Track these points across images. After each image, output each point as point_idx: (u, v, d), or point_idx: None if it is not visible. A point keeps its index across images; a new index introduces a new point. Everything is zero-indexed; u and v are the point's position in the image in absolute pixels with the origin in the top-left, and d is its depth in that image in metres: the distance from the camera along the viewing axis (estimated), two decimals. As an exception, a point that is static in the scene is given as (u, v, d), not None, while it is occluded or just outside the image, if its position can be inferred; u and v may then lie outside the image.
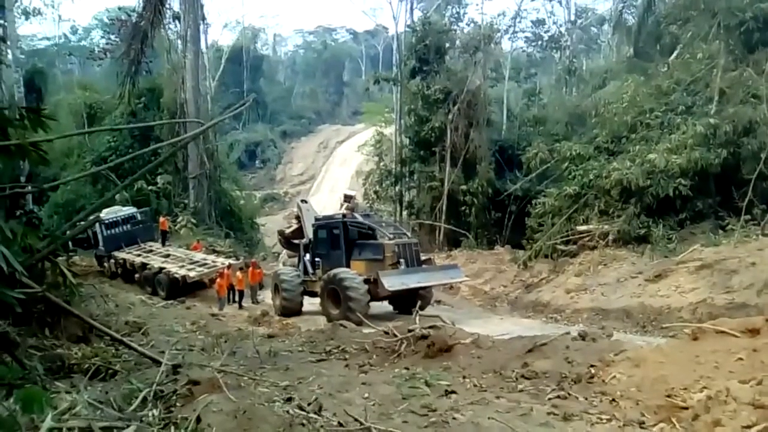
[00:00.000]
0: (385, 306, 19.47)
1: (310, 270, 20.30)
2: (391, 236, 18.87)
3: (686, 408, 5.62)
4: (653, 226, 22.42)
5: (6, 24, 30.67)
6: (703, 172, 22.13)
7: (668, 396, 5.92)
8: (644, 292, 18.11)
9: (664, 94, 26.11)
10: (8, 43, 30.73)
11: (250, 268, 24.37)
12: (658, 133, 24.43)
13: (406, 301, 18.33)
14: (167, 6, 34.11)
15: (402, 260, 18.10)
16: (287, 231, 24.35)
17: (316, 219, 21.20)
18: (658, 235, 21.92)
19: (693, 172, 21.99)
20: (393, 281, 17.25)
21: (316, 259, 20.28)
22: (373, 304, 18.08)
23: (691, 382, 6.03)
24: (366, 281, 17.54)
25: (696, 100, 25.01)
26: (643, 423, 5.61)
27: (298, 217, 23.48)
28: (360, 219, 20.07)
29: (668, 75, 27.43)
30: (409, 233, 20.71)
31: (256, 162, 79.93)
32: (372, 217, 20.82)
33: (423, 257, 19.90)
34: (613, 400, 6.25)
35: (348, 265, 18.66)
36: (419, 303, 16.14)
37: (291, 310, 19.93)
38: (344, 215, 20.51)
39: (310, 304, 20.23)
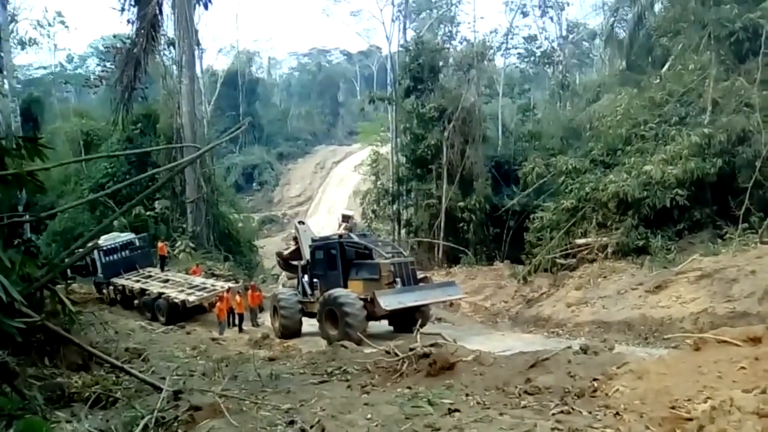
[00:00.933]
0: (384, 325, 19.47)
1: (309, 291, 20.35)
2: (387, 255, 18.95)
3: (690, 419, 5.58)
4: (651, 237, 22.47)
5: (2, 54, 30.81)
6: (699, 181, 22.23)
7: (672, 407, 5.89)
8: (645, 303, 18.08)
9: (657, 106, 26.26)
10: (5, 72, 30.89)
11: (249, 291, 24.31)
12: (653, 144, 24.54)
13: (405, 320, 18.35)
14: (162, 32, 34.41)
15: (398, 279, 18.24)
16: (285, 253, 24.36)
17: (313, 240, 21.27)
18: (656, 246, 21.96)
19: (689, 183, 22.09)
20: (389, 300, 17.31)
21: (314, 280, 20.34)
22: (372, 323, 18.17)
23: (694, 393, 6.00)
24: (363, 301, 17.56)
25: (689, 111, 25.16)
26: (648, 436, 5.57)
27: (296, 239, 23.51)
28: (356, 239, 20.14)
29: (661, 87, 27.61)
30: (405, 252, 20.68)
31: (254, 184, 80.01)
32: (368, 236, 20.83)
33: (420, 275, 20.00)
34: (617, 413, 6.21)
35: (345, 285, 18.76)
36: (420, 321, 15.92)
37: (290, 331, 19.96)
38: (340, 236, 20.62)
39: (310, 325, 20.17)
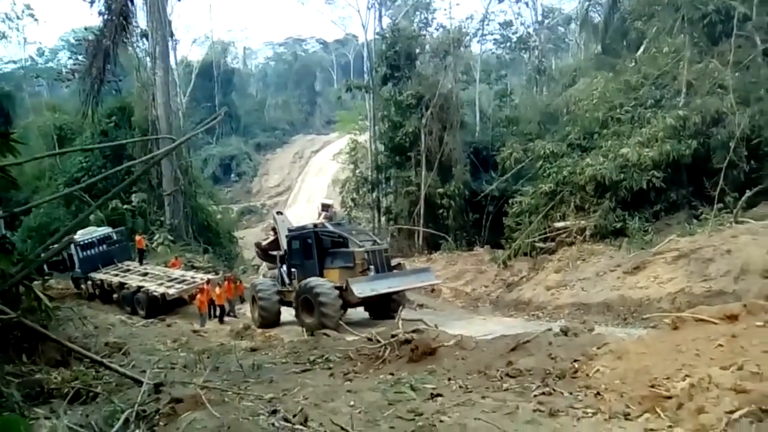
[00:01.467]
0: (361, 312, 19.67)
1: (287, 281, 20.36)
2: (361, 244, 19.04)
3: (670, 397, 5.65)
4: (629, 219, 22.73)
5: (-30, 49, 30.24)
6: (675, 163, 22.51)
7: (652, 386, 5.95)
8: (623, 284, 18.26)
9: (633, 89, 26.49)
10: (-27, 67, 30.28)
11: (227, 283, 24.10)
12: (629, 127, 24.78)
13: (381, 307, 18.75)
14: (134, 24, 33.89)
15: (372, 266, 18.36)
16: (264, 243, 24.30)
17: (289, 230, 21.27)
18: (634, 228, 22.22)
19: (665, 164, 22.36)
20: (362, 287, 17.47)
21: (292, 269, 20.38)
22: (350, 310, 18.46)
23: (673, 371, 6.06)
24: (339, 288, 17.72)
25: (664, 94, 25.41)
26: (629, 414, 5.63)
27: (274, 229, 23.44)
28: (331, 228, 20.23)
29: (636, 70, 27.82)
30: (379, 240, 20.80)
31: (232, 175, 79.49)
32: (343, 225, 20.91)
33: (394, 263, 20.13)
34: (598, 393, 6.27)
35: (321, 274, 18.87)
36: (400, 308, 16.30)
37: (269, 320, 19.98)
38: (315, 225, 20.67)
39: (290, 314, 20.13)
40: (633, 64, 29.03)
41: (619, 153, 22.95)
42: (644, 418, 5.53)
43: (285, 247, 21.15)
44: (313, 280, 18.19)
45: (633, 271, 18.55)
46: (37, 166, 39.69)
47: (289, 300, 19.81)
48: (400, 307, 17.84)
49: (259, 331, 18.32)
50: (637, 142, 23.06)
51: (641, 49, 30.23)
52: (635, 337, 8.54)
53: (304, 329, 17.26)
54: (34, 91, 75.61)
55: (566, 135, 28.50)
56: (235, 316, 23.09)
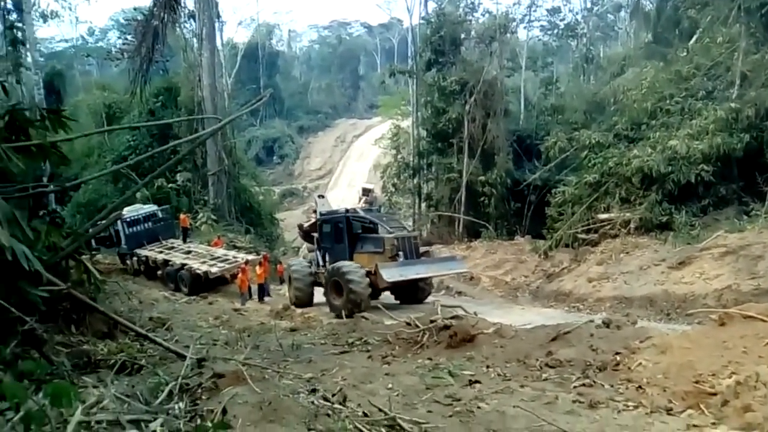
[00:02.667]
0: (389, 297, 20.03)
1: (321, 263, 20.74)
2: (391, 230, 19.36)
3: (714, 394, 5.54)
4: (675, 213, 22.22)
5: (24, 27, 30.94)
6: (725, 157, 21.87)
7: (696, 382, 5.84)
8: (668, 279, 17.94)
9: (684, 80, 25.83)
10: (27, 46, 31.02)
11: (262, 264, 24.38)
12: (679, 119, 24.20)
13: (408, 292, 19.35)
14: (182, 5, 34.27)
15: (400, 252, 18.66)
16: (305, 225, 24.53)
17: (322, 214, 21.69)
18: (680, 222, 21.72)
19: (715, 158, 21.77)
20: (391, 273, 17.84)
21: (324, 252, 20.94)
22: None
23: (719, 368, 5.94)
24: (368, 273, 18.05)
25: (717, 85, 24.72)
26: (671, 410, 5.53)
27: (315, 212, 23.66)
28: (362, 213, 20.55)
29: (688, 60, 27.10)
30: (408, 227, 21.11)
31: (274, 158, 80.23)
32: (374, 211, 21.22)
33: (422, 250, 20.52)
34: (640, 387, 6.17)
35: (351, 258, 19.33)
36: (422, 293, 18.76)
37: (302, 300, 20.48)
38: (347, 210, 20.99)
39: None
40: (685, 53, 28.28)
41: (668, 145, 22.44)
42: (687, 413, 5.43)
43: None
44: (343, 264, 18.61)
45: (678, 266, 18.21)
46: (86, 143, 40.63)
47: (322, 281, 20.16)
48: (426, 294, 19.27)
49: (299, 311, 18.52)
50: (687, 134, 22.50)
51: (694, 39, 29.41)
52: (679, 332, 8.37)
53: (333, 311, 17.76)
54: (85, 69, 77.28)
55: (613, 125, 27.98)
56: (269, 295, 23.46)
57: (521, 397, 5.90)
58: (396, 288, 19.25)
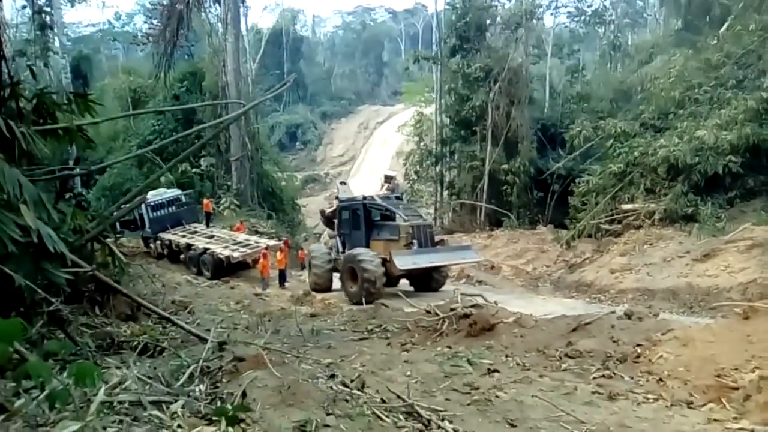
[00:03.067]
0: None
1: (340, 249, 20.92)
2: (407, 218, 19.43)
3: (737, 388, 5.49)
4: (701, 204, 21.86)
5: (53, 12, 31.30)
6: (754, 148, 21.45)
7: (718, 376, 5.78)
8: (692, 271, 17.73)
9: (713, 68, 25.37)
10: (55, 30, 31.42)
11: (282, 249, 24.52)
12: (707, 108, 23.81)
13: (423, 280, 19.44)
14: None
15: (415, 240, 18.73)
16: (328, 211, 24.63)
17: (340, 201, 21.87)
18: (706, 214, 21.37)
19: (744, 149, 21.36)
20: (405, 260, 17.95)
21: (342, 238, 21.15)
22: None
23: (742, 362, 5.87)
24: (383, 260, 18.22)
25: (747, 74, 24.27)
26: (692, 403, 5.49)
27: (338, 198, 23.76)
28: (379, 201, 20.62)
29: (718, 48, 26.58)
30: (424, 216, 21.63)
31: (297, 143, 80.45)
32: (391, 199, 21.29)
33: (437, 239, 20.75)
34: (660, 379, 6.13)
35: (368, 245, 19.46)
36: (436, 281, 19.00)
37: (321, 286, 20.65)
38: (364, 197, 21.06)
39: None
40: (715, 41, 27.72)
41: (695, 135, 22.08)
42: (708, 407, 5.39)
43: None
44: (359, 250, 18.79)
45: (703, 259, 17.99)
46: (111, 128, 41.08)
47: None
48: (438, 283, 19.40)
49: (319, 297, 18.65)
50: (715, 124, 22.12)
51: (725, 26, 28.77)
52: (702, 325, 8.27)
53: (349, 297, 17.96)
54: (111, 53, 78.00)
55: (639, 114, 27.64)
56: (286, 281, 23.67)
57: (540, 387, 5.90)
58: (411, 276, 19.48)
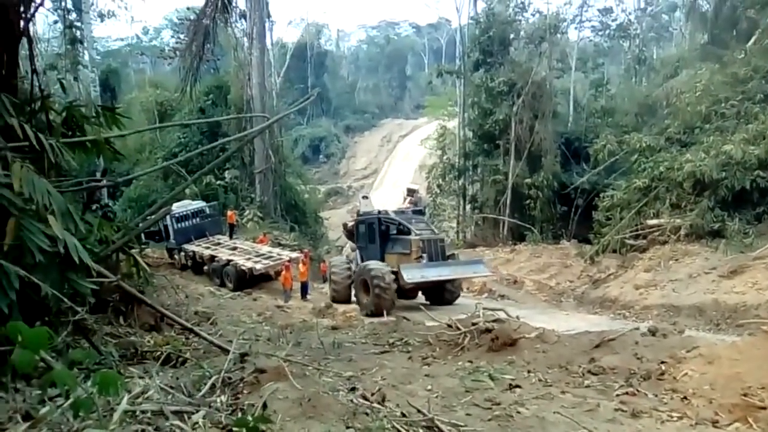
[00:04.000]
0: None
1: (359, 261, 21.19)
2: (418, 232, 19.80)
3: (764, 408, 5.38)
4: (728, 220, 21.50)
5: (83, 27, 31.96)
6: (783, 163, 21.11)
7: (744, 395, 5.67)
8: (718, 288, 17.42)
9: (740, 83, 25.07)
10: (85, 44, 32.05)
11: (303, 261, 24.62)
12: (734, 123, 23.53)
13: (436, 293, 19.72)
14: (234, 5, 34.81)
15: (425, 254, 19.14)
16: (349, 224, 24.76)
17: (358, 214, 22.42)
18: (733, 230, 21.00)
19: (771, 164, 21.01)
20: (413, 273, 18.34)
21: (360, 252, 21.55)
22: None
23: (769, 381, 5.76)
24: (395, 273, 18.50)
25: (775, 88, 23.89)
26: (717, 422, 5.39)
27: (358, 212, 23.95)
28: (392, 215, 21.13)
29: (745, 62, 26.27)
30: (436, 230, 22.15)
31: (320, 156, 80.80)
32: (407, 213, 21.85)
33: (448, 253, 20.92)
34: (685, 397, 6.03)
35: (383, 258, 19.95)
36: (451, 295, 19.37)
37: (341, 297, 21.08)
38: (379, 211, 21.53)
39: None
40: (742, 55, 27.40)
41: (722, 150, 21.78)
42: (734, 427, 5.30)
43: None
44: (371, 263, 19.28)
45: (729, 275, 17.67)
46: (138, 140, 41.63)
47: None
48: (451, 297, 19.63)
49: (341, 310, 18.70)
50: (743, 138, 21.82)
51: (752, 40, 28.45)
52: (729, 342, 8.13)
53: (362, 309, 18.47)
54: (138, 67, 79.15)
55: (665, 128, 27.35)
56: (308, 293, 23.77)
57: (562, 404, 5.84)
58: (425, 289, 19.80)
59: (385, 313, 16.83)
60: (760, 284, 16.31)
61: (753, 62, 25.69)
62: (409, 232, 19.94)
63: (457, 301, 19.77)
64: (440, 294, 19.59)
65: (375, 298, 18.01)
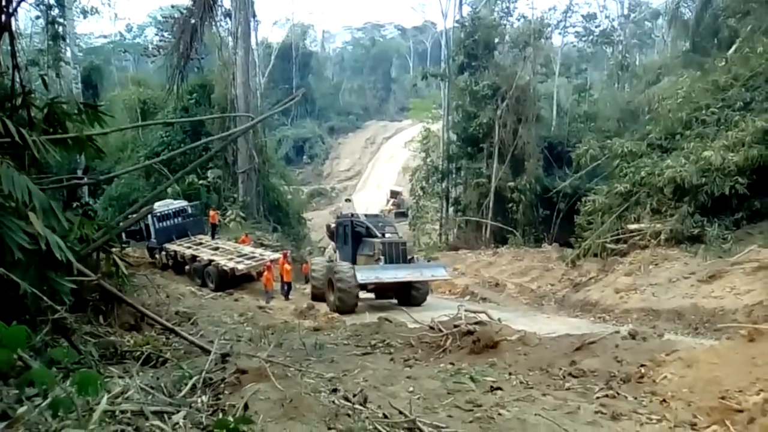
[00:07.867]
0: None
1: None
2: (380, 235, 20.79)
3: (741, 411, 5.44)
4: (707, 225, 21.75)
5: (65, 23, 31.64)
6: (761, 169, 21.36)
7: (722, 398, 5.74)
8: (697, 293, 17.58)
9: (721, 90, 25.35)
10: (67, 40, 31.75)
11: (282, 261, 24.57)
12: (714, 129, 23.78)
13: (403, 294, 20.60)
14: (219, 4, 34.70)
15: (382, 257, 20.11)
16: (332, 226, 24.83)
17: (337, 217, 23.36)
18: (712, 235, 21.25)
19: (750, 170, 21.27)
20: (366, 275, 19.33)
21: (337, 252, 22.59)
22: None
23: (746, 384, 5.83)
24: None
25: (755, 96, 24.18)
26: (695, 425, 5.45)
27: (340, 214, 24.18)
28: (362, 219, 22.08)
29: (726, 70, 26.59)
30: (399, 234, 22.85)
31: (304, 157, 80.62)
32: (380, 216, 23.16)
33: (409, 256, 21.76)
34: (664, 400, 6.09)
35: (354, 260, 20.87)
36: (415, 297, 20.20)
37: (319, 296, 21.71)
38: (352, 215, 22.51)
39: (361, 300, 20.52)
40: (723, 63, 27.74)
41: (702, 156, 22.02)
42: (712, 429, 5.35)
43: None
44: (339, 264, 20.53)
45: (708, 280, 17.83)
46: (120, 138, 41.25)
47: None
48: (416, 299, 20.29)
49: (323, 311, 18.69)
50: (722, 145, 22.07)
51: (733, 48, 28.83)
52: (707, 346, 8.22)
53: (328, 307, 19.57)
54: (122, 65, 78.49)
55: (646, 134, 27.59)
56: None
57: (543, 406, 5.87)
58: (397, 290, 20.66)
59: (338, 309, 18.21)
60: (738, 289, 16.48)
61: (733, 70, 26.01)
62: (376, 235, 20.80)
63: (439, 304, 19.75)
64: (407, 295, 20.29)
65: (337, 296, 19.05)
